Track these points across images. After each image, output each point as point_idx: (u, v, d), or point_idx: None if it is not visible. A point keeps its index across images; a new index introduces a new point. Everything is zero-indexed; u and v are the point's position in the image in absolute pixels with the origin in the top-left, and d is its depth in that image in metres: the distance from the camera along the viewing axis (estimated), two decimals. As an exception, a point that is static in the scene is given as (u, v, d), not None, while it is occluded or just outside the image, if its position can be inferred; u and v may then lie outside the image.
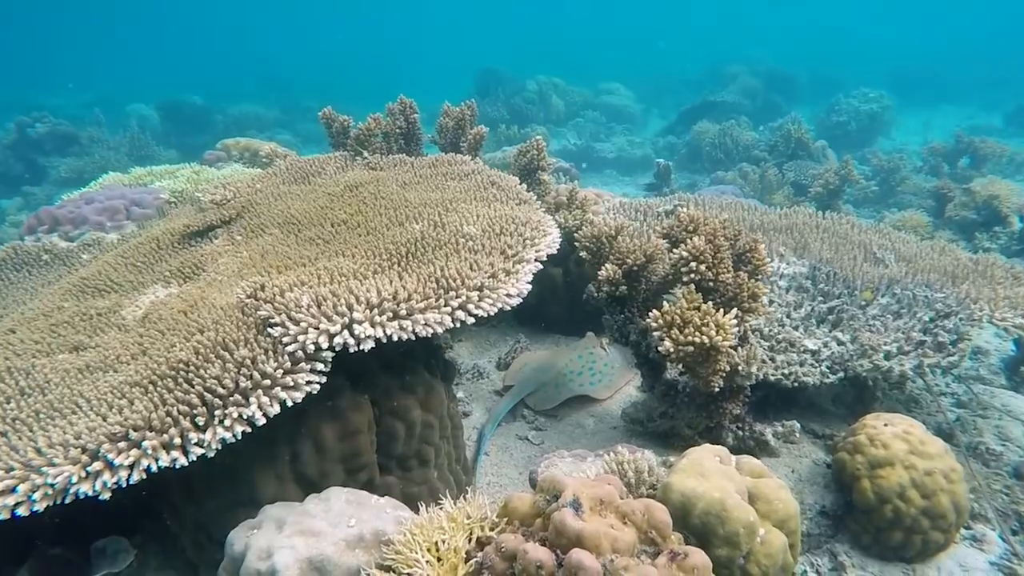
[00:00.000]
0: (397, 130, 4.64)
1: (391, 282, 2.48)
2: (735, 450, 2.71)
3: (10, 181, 11.39)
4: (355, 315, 2.26)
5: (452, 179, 3.84)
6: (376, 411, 2.68)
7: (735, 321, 2.65)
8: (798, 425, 3.24)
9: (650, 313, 2.82)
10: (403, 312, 2.31)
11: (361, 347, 2.26)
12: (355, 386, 2.63)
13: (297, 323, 2.30)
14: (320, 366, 2.28)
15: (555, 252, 3.13)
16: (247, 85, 24.48)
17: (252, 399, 2.15)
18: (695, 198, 5.13)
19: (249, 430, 2.15)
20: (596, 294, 3.41)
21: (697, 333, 2.63)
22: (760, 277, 3.06)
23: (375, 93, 4.82)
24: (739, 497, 2.22)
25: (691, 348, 2.65)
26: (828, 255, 4.23)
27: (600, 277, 3.23)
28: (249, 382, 2.18)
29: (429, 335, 2.34)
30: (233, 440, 2.12)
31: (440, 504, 2.13)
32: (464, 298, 2.43)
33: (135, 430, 2.07)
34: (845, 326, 3.69)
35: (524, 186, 3.77)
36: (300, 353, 2.26)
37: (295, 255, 3.11)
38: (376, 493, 2.65)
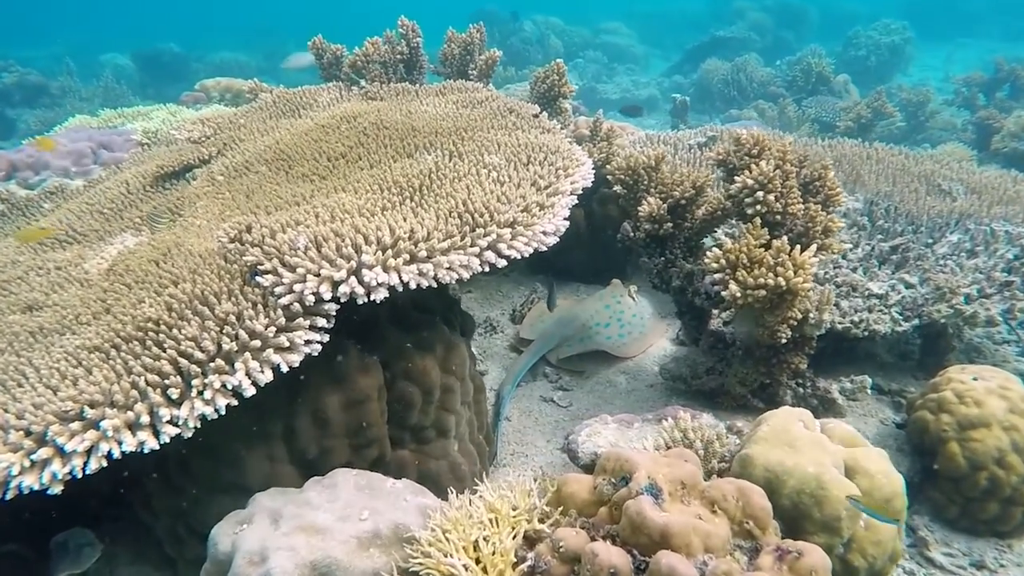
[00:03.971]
0: (398, 56, 4.10)
1: (405, 219, 2.03)
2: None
3: (-24, 136, 10.72)
4: (364, 258, 1.82)
5: (464, 107, 3.35)
6: (387, 374, 2.26)
7: (815, 259, 2.22)
8: (869, 380, 2.84)
9: (708, 252, 2.38)
10: (422, 254, 1.87)
11: (372, 297, 1.83)
12: (362, 345, 2.20)
13: (292, 269, 1.86)
14: (321, 322, 1.85)
15: (589, 186, 2.68)
16: (228, 32, 23.32)
17: (238, 364, 1.73)
18: (727, 129, 4.63)
19: (235, 402, 1.73)
20: (633, 234, 2.96)
21: (770, 274, 2.20)
22: (832, 208, 2.61)
23: (364, 35, 4.32)
24: (836, 472, 1.83)
25: (762, 292, 2.23)
26: (885, 188, 3.77)
27: (641, 214, 2.78)
28: (234, 343, 1.75)
29: (453, 281, 1.90)
30: (215, 415, 1.71)
31: (475, 489, 1.73)
32: (494, 236, 1.98)
33: (92, 407, 1.65)
34: (912, 267, 3.26)
35: (545, 114, 3.28)
36: (297, 306, 1.83)
37: (287, 194, 2.65)
38: (388, 471, 2.27)
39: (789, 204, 2.41)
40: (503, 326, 4.28)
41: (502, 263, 1.98)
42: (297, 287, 1.79)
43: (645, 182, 2.95)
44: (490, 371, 3.78)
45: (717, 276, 2.35)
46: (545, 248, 2.12)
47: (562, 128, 3.60)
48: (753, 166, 2.38)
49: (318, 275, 1.80)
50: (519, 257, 2.03)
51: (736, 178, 2.43)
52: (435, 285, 1.87)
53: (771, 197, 2.37)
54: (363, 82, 3.92)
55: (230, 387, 1.71)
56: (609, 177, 3.10)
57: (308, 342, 1.81)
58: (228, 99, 6.48)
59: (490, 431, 2.99)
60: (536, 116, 3.18)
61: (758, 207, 2.39)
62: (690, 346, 3.33)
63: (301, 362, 1.88)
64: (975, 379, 2.58)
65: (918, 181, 3.78)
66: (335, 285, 1.80)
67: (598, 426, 2.56)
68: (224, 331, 1.77)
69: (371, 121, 3.17)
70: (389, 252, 1.83)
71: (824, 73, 9.43)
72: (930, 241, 3.37)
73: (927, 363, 3.20)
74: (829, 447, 1.90)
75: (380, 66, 4.14)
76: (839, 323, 2.84)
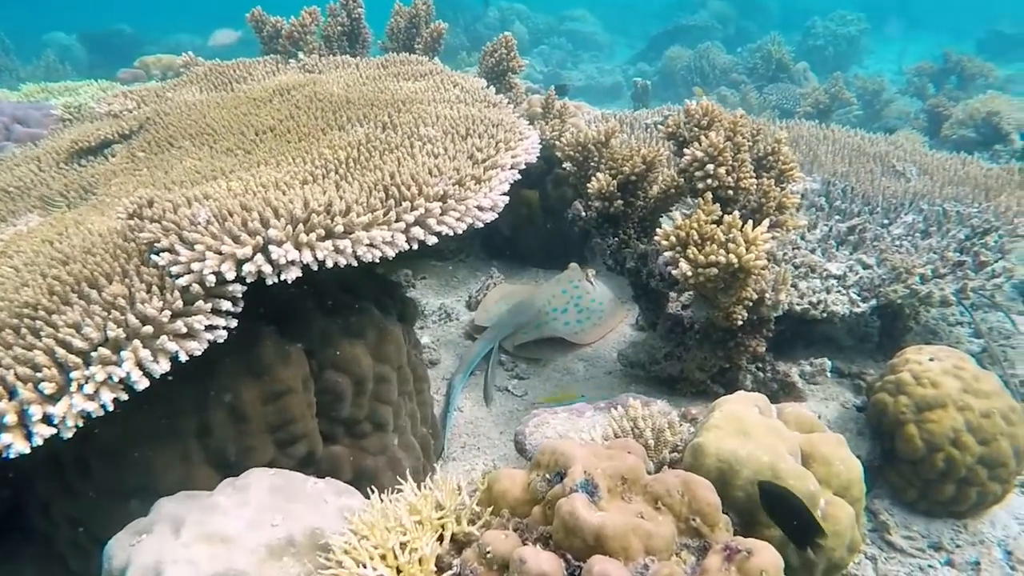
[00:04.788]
0: (339, 28, 3.87)
1: (324, 192, 1.83)
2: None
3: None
4: (272, 233, 1.62)
5: (406, 80, 3.15)
6: (314, 364, 2.07)
7: (769, 235, 2.09)
8: (829, 363, 2.75)
9: (658, 229, 2.24)
10: (339, 229, 1.68)
11: (283, 277, 1.64)
12: (283, 332, 2.01)
13: (191, 246, 1.65)
14: (226, 305, 1.65)
15: (534, 161, 2.51)
16: (184, 14, 22.52)
17: (126, 354, 1.52)
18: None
19: (124, 397, 1.53)
20: (584, 213, 2.81)
21: (721, 251, 2.07)
22: (786, 184, 2.50)
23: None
24: (793, 460, 1.71)
25: (713, 271, 2.10)
26: (842, 169, 3.69)
27: (590, 190, 2.63)
28: (122, 330, 1.54)
29: (376, 260, 1.72)
30: (101, 412, 1.50)
31: (399, 488, 1.56)
32: (422, 211, 1.80)
33: (-53, 405, 1.43)
34: (868, 248, 3.18)
35: (492, 89, 3.11)
36: (196, 288, 1.62)
37: (206, 169, 2.42)
38: (319, 469, 2.08)
39: (741, 178, 2.29)
40: (458, 313, 4.12)
41: (432, 240, 1.81)
42: (195, 266, 1.59)
43: (595, 158, 2.80)
44: (443, 360, 3.61)
45: (668, 255, 2.21)
46: (481, 224, 1.95)
47: (511, 104, 3.42)
48: (703, 137, 2.25)
49: (219, 252, 1.60)
50: (451, 234, 1.85)
51: (686, 151, 2.30)
52: (355, 263, 1.69)
53: (722, 170, 2.23)
54: (301, 55, 3.69)
55: (117, 379, 1.50)
56: (559, 154, 2.94)
57: (211, 327, 1.61)
58: (170, 77, 6.12)
59: (436, 423, 2.82)
60: (483, 89, 3.01)
61: (709, 181, 2.25)
62: (649, 331, 3.20)
63: (214, 351, 1.69)
64: (931, 359, 2.51)
65: (873, 162, 3.72)
66: (239, 263, 1.60)
67: (547, 416, 2.41)
68: (111, 316, 1.56)
69: (305, 94, 2.95)
70: (301, 227, 1.64)
71: (784, 60, 9.44)
72: (886, 222, 3.31)
73: (886, 346, 3.14)
74: (785, 433, 1.78)
75: (321, 39, 3.91)
76: (798, 304, 2.74)
